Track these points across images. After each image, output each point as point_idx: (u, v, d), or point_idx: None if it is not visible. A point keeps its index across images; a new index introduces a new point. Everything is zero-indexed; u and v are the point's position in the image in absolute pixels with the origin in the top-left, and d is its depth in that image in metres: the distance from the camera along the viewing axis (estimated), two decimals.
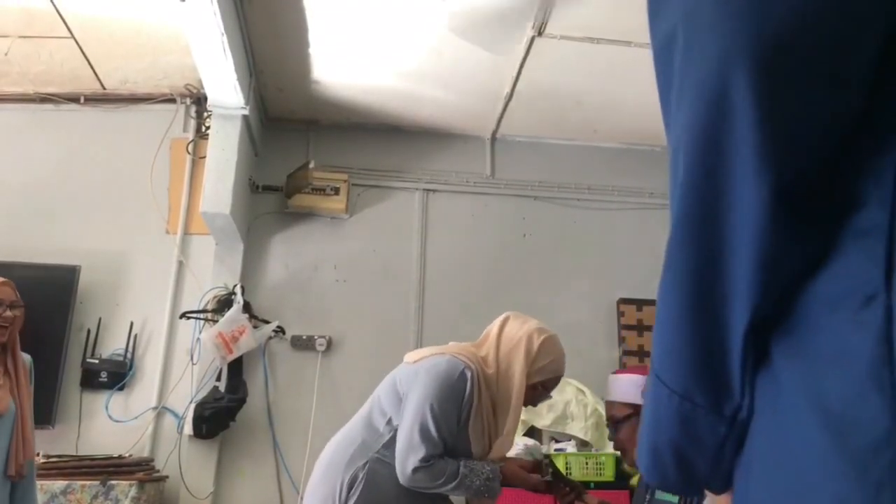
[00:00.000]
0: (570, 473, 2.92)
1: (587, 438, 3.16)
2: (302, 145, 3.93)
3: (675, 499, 1.90)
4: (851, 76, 0.45)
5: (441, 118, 3.92)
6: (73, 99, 3.77)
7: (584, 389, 3.32)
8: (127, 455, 3.19)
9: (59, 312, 3.36)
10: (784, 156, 0.46)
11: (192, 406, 3.34)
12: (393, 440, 1.92)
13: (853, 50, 0.44)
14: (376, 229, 3.87)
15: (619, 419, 2.09)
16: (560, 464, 2.94)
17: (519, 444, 2.96)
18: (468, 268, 3.85)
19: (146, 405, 3.44)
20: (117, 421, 3.39)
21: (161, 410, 3.45)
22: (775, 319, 0.49)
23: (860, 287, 0.44)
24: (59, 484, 2.82)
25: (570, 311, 3.80)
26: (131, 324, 3.51)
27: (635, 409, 2.06)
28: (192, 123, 3.82)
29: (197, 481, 3.34)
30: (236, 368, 3.43)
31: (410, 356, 2.08)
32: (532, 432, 3.23)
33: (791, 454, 0.47)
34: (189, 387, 3.43)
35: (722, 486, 0.57)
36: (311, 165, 3.68)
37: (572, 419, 3.22)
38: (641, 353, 3.71)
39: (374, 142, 3.99)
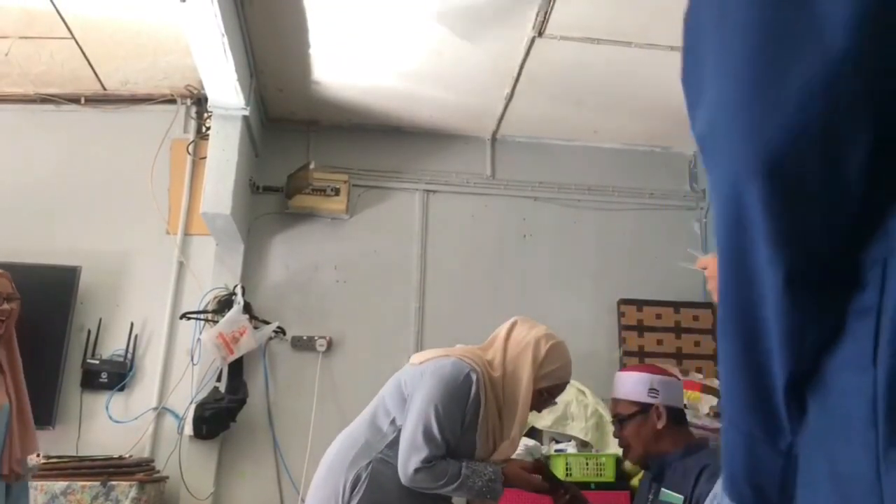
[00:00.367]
0: (571, 474, 2.91)
1: (587, 439, 3.16)
2: (302, 146, 3.93)
3: (679, 499, 1.90)
4: (846, 180, 0.53)
5: (441, 119, 3.92)
6: (73, 99, 3.77)
7: (585, 390, 3.32)
8: (127, 456, 3.19)
9: (60, 313, 3.36)
10: (793, 251, 0.55)
11: (193, 407, 3.34)
12: (396, 441, 1.92)
13: (844, 161, 0.53)
14: (377, 230, 3.87)
15: (625, 417, 2.09)
16: (560, 464, 2.94)
17: (519, 445, 2.97)
18: (468, 268, 3.85)
19: (146, 406, 3.44)
20: (118, 421, 3.39)
21: (161, 411, 3.45)
22: (812, 373, 0.58)
23: (858, 359, 0.53)
24: (59, 485, 2.82)
25: (570, 311, 3.79)
26: (132, 324, 3.51)
27: (641, 408, 2.06)
28: (193, 124, 3.82)
29: (197, 482, 3.34)
30: (237, 369, 3.43)
31: (416, 357, 2.08)
32: (532, 433, 3.23)
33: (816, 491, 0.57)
34: (189, 387, 3.43)
35: None
36: (312, 166, 3.68)
37: (572, 420, 3.22)
38: (642, 354, 3.70)
39: (374, 142, 3.99)
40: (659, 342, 3.73)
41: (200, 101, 3.74)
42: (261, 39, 3.25)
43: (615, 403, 2.15)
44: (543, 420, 3.21)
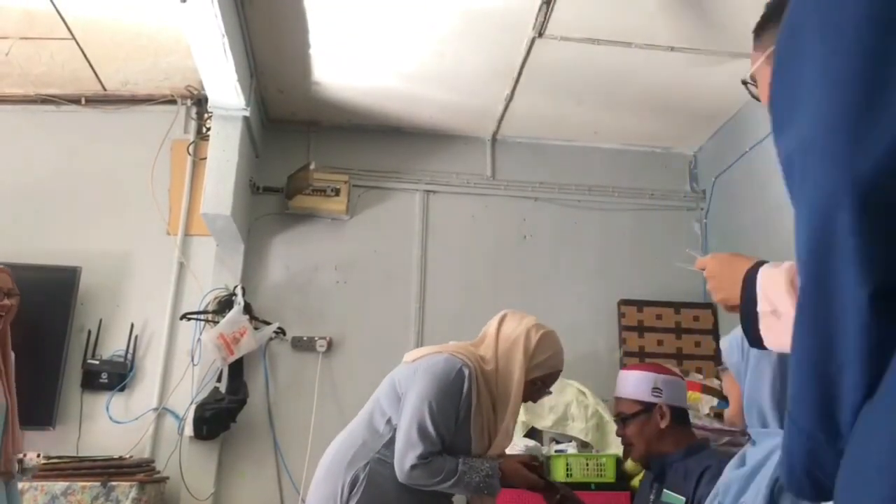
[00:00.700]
0: (571, 475, 2.91)
1: (588, 440, 3.15)
2: (302, 146, 3.93)
3: (681, 500, 1.90)
4: None
5: (441, 119, 3.92)
6: (73, 100, 3.77)
7: (585, 391, 3.32)
8: (127, 456, 3.19)
9: (60, 313, 3.36)
10: (880, 272, 0.58)
11: (193, 407, 3.34)
12: (393, 440, 1.93)
13: None
14: (377, 230, 3.87)
15: (628, 416, 2.09)
16: (561, 465, 2.94)
17: (520, 445, 2.97)
18: (469, 269, 3.85)
19: (147, 406, 3.44)
20: (118, 422, 3.39)
21: (162, 411, 3.45)
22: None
23: None
24: (59, 485, 2.82)
25: (570, 312, 3.79)
26: (132, 325, 3.51)
27: (644, 407, 2.07)
28: (193, 125, 3.82)
29: (197, 482, 3.34)
30: (237, 369, 3.43)
31: (409, 356, 2.09)
32: (533, 433, 3.23)
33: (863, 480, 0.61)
34: (190, 388, 3.43)
35: None
36: (312, 166, 3.68)
37: (573, 420, 3.22)
38: (642, 355, 3.70)
39: (374, 143, 3.99)
40: (659, 343, 3.73)
41: (201, 101, 3.75)
42: (261, 40, 3.25)
43: (618, 402, 2.16)
44: (544, 421, 3.21)
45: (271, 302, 3.69)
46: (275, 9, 3.02)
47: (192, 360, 3.49)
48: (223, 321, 3.33)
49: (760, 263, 1.07)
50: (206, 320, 3.49)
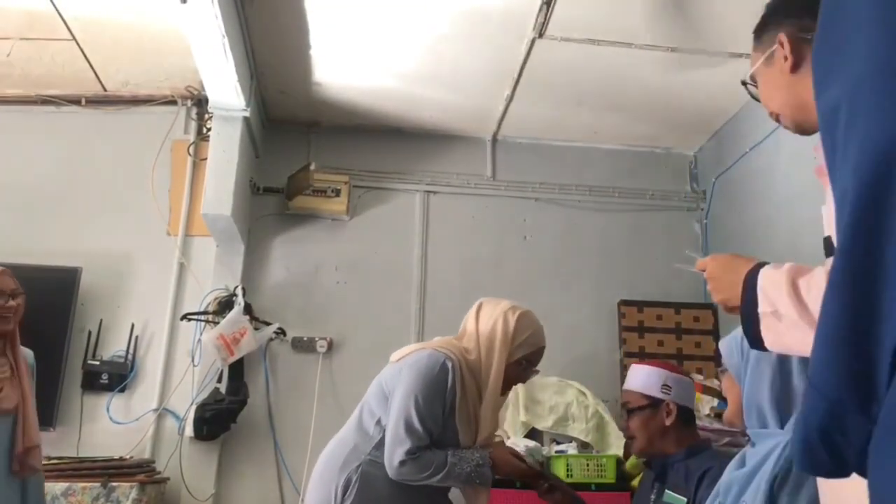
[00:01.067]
0: (571, 475, 2.91)
1: (588, 440, 3.16)
2: (303, 147, 3.93)
3: (683, 501, 1.90)
4: None
5: (442, 120, 3.92)
6: (74, 101, 3.77)
7: (586, 391, 3.32)
8: (128, 457, 3.19)
9: (60, 314, 3.36)
10: None
11: (193, 408, 3.34)
12: (383, 441, 1.94)
13: None
14: (377, 231, 3.88)
15: (634, 408, 2.10)
16: (561, 465, 2.94)
17: (520, 446, 2.96)
18: (469, 269, 3.85)
19: (147, 407, 3.44)
20: (118, 422, 3.39)
21: (162, 412, 3.45)
22: None
23: None
24: (59, 486, 2.81)
25: (571, 312, 3.80)
26: (132, 325, 3.51)
27: (651, 401, 2.07)
28: (193, 125, 3.82)
29: (198, 483, 3.34)
30: (237, 370, 3.43)
31: (394, 355, 2.11)
32: (533, 434, 3.23)
33: None
34: (190, 388, 3.43)
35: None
36: (312, 167, 3.68)
37: (573, 421, 3.22)
38: (642, 355, 3.70)
39: (375, 143, 3.99)
40: (659, 343, 3.73)
41: (201, 102, 3.75)
42: (261, 40, 3.25)
43: (626, 394, 2.17)
44: (544, 421, 3.21)
45: (272, 302, 3.69)
46: (275, 9, 3.03)
47: (193, 360, 3.49)
48: (223, 322, 3.33)
49: (761, 265, 1.08)
50: (207, 321, 3.49)
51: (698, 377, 3.42)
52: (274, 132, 3.94)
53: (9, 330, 2.31)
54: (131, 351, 3.48)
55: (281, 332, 3.59)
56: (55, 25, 3.17)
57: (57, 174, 3.69)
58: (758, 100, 1.26)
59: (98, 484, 2.86)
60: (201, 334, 3.45)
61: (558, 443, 3.16)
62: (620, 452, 3.07)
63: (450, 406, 1.95)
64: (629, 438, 2.16)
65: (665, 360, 2.31)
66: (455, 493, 2.15)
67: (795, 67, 1.13)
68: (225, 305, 3.47)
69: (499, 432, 3.02)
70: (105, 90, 3.76)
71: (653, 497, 2.06)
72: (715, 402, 3.04)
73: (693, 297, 3.83)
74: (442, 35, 3.13)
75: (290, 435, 3.52)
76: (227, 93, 3.20)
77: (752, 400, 1.43)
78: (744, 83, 1.29)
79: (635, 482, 2.87)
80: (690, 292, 3.83)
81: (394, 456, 1.88)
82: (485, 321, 2.10)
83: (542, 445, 3.11)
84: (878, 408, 0.61)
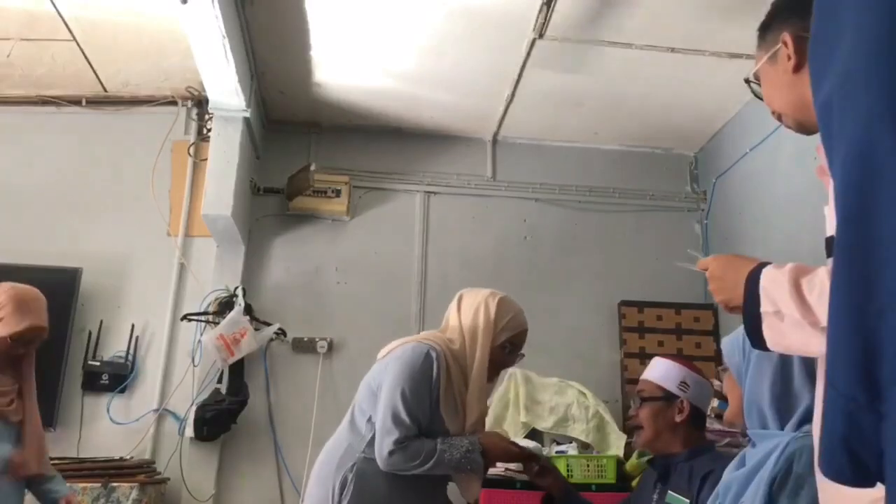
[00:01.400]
0: (572, 475, 2.91)
1: (588, 440, 3.15)
2: (303, 147, 3.93)
3: (686, 502, 1.90)
4: None
5: (442, 120, 3.92)
6: (74, 101, 3.77)
7: (586, 392, 3.32)
8: (128, 457, 3.20)
9: (61, 315, 3.35)
10: None
11: (194, 408, 3.34)
12: (374, 439, 1.95)
13: None
14: (377, 231, 3.88)
15: (647, 397, 2.10)
16: (561, 466, 2.94)
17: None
18: (469, 270, 3.85)
19: (147, 407, 3.44)
20: (119, 423, 3.39)
21: (162, 412, 3.45)
22: None
23: None
24: None
25: (571, 313, 3.80)
26: (132, 326, 3.51)
27: (665, 395, 2.07)
28: (194, 126, 3.82)
29: (198, 483, 3.34)
30: (237, 370, 3.43)
31: (380, 353, 2.14)
32: (534, 434, 3.23)
33: None
34: (190, 389, 3.43)
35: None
36: (313, 167, 3.68)
37: (574, 421, 3.22)
38: (643, 356, 3.70)
39: (375, 144, 3.99)
40: (660, 343, 3.73)
41: (201, 102, 3.75)
42: (262, 41, 3.26)
43: (642, 383, 2.17)
44: (545, 422, 3.21)
45: (272, 303, 3.69)
46: (275, 10, 3.03)
47: (193, 361, 3.49)
48: (224, 322, 3.33)
49: (763, 265, 1.07)
50: (207, 321, 3.49)
51: None
52: (274, 133, 3.94)
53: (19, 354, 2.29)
54: (132, 351, 3.48)
55: (281, 332, 3.59)
56: (56, 26, 3.17)
57: (57, 175, 3.70)
58: (761, 98, 1.26)
59: (98, 484, 2.86)
60: (202, 335, 3.45)
61: (559, 443, 3.16)
62: (621, 453, 3.07)
63: (436, 395, 1.97)
64: (636, 427, 2.15)
65: (688, 361, 2.30)
66: (452, 490, 2.15)
67: (798, 67, 1.13)
68: (225, 306, 3.47)
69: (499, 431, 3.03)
70: (105, 91, 3.76)
71: (655, 498, 2.05)
72: (715, 402, 3.04)
73: (693, 297, 3.83)
74: (442, 36, 3.13)
75: (290, 435, 3.52)
76: (228, 93, 3.20)
77: (753, 400, 1.43)
78: (747, 81, 1.29)
79: (635, 483, 2.87)
80: (691, 293, 3.83)
81: (383, 446, 1.90)
82: (466, 310, 2.12)
83: (543, 446, 3.11)
84: (882, 404, 0.60)
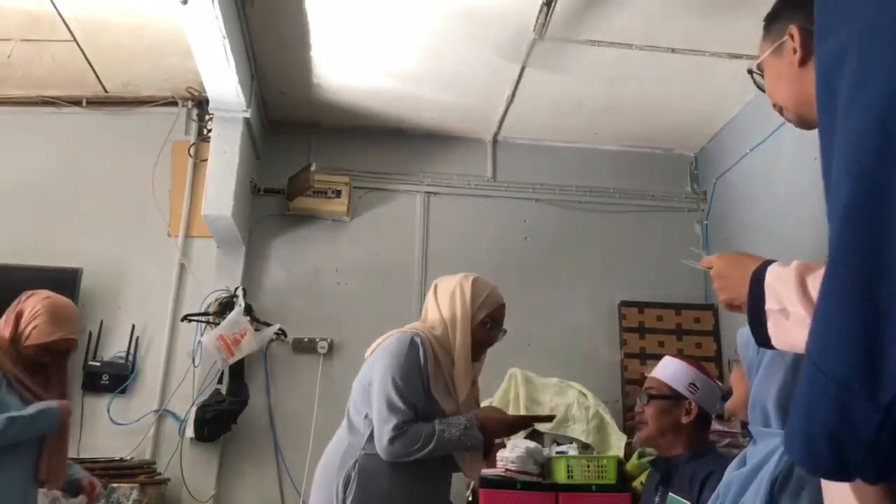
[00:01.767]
0: (572, 476, 2.91)
1: (589, 441, 3.15)
2: (303, 148, 3.93)
3: (686, 503, 1.89)
4: None
5: (442, 121, 3.92)
6: (75, 102, 3.77)
7: (586, 392, 3.32)
8: (128, 458, 3.20)
9: None
10: None
11: (194, 409, 3.34)
12: (374, 434, 1.97)
13: None
14: (378, 232, 3.88)
15: (655, 395, 2.09)
16: (562, 466, 2.94)
17: (521, 447, 2.97)
18: (469, 270, 3.78)
19: (148, 408, 3.44)
20: (119, 424, 3.39)
21: (163, 413, 3.45)
22: None
23: None
24: None
25: (571, 313, 3.80)
26: (133, 326, 3.51)
27: (673, 395, 2.07)
28: (194, 126, 3.82)
29: (198, 484, 3.34)
30: (238, 371, 3.43)
31: (367, 352, 2.17)
32: (534, 435, 3.23)
33: None
34: (190, 389, 3.43)
35: (876, 476, 0.60)
36: (313, 168, 3.68)
37: (574, 422, 3.21)
38: (643, 356, 3.70)
39: (375, 144, 3.99)
40: (660, 344, 3.73)
41: (202, 103, 3.75)
42: (262, 42, 3.26)
43: (651, 380, 2.16)
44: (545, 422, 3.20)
45: (272, 303, 3.69)
46: (276, 10, 3.03)
47: (193, 361, 3.49)
48: (224, 323, 3.33)
49: (769, 262, 1.07)
50: (207, 322, 3.49)
51: None
52: (274, 133, 3.94)
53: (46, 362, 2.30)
54: (132, 352, 3.48)
55: (281, 333, 3.59)
56: (56, 26, 3.17)
57: (58, 175, 3.70)
58: (763, 90, 1.25)
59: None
60: (202, 335, 3.45)
61: (559, 444, 3.16)
62: (621, 453, 3.07)
63: (427, 379, 2.00)
64: (639, 423, 2.14)
65: (699, 364, 2.29)
66: (454, 490, 2.15)
67: (804, 61, 1.12)
68: (225, 306, 3.47)
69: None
70: (106, 91, 3.76)
71: (657, 500, 2.05)
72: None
73: (694, 297, 3.83)
74: (442, 36, 3.13)
75: (290, 436, 3.52)
76: (228, 94, 3.20)
77: (759, 398, 1.43)
78: (750, 72, 1.27)
79: (636, 483, 2.87)
80: (691, 293, 3.83)
81: (382, 435, 1.92)
82: (443, 297, 2.18)
83: (543, 446, 3.11)
84: (886, 397, 0.55)
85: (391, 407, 1.93)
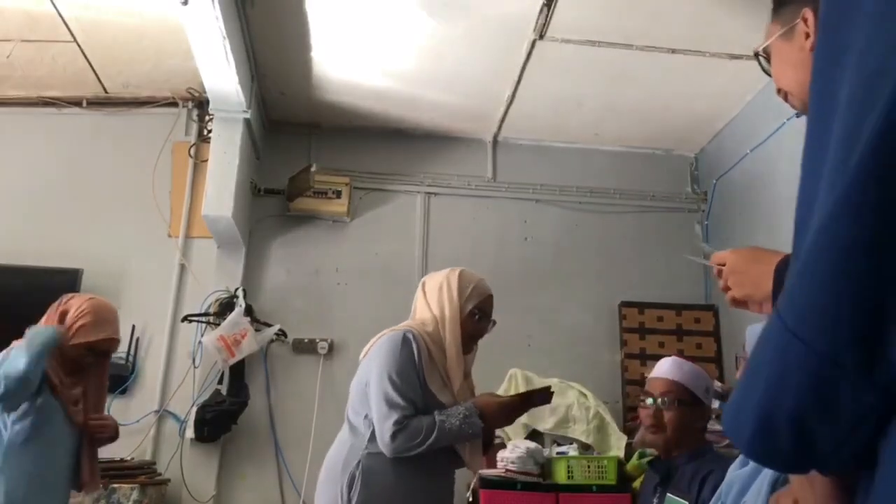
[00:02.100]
0: (573, 477, 2.91)
1: (589, 441, 3.15)
2: (304, 148, 3.93)
3: (684, 503, 1.89)
4: None
5: (443, 121, 3.92)
6: (75, 102, 3.77)
7: (587, 393, 3.32)
8: (129, 458, 3.19)
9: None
10: None
11: (194, 409, 3.34)
12: (375, 432, 1.98)
13: None
14: (378, 232, 3.88)
15: (675, 399, 2.08)
16: (562, 467, 2.94)
17: (521, 447, 2.97)
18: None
19: (148, 408, 3.44)
20: (119, 424, 3.37)
21: (163, 414, 3.45)
22: None
23: None
24: None
25: (571, 314, 3.80)
26: (133, 327, 3.51)
27: (693, 400, 2.07)
28: (195, 127, 3.82)
29: (199, 484, 3.34)
30: (238, 372, 3.43)
31: (361, 354, 2.17)
32: (534, 435, 3.23)
33: None
34: (191, 390, 3.43)
35: (840, 467, 0.53)
36: (313, 169, 3.68)
37: (574, 422, 3.21)
38: (643, 356, 3.70)
39: (375, 145, 3.99)
40: (661, 344, 3.73)
41: (202, 104, 3.75)
42: (262, 42, 3.26)
43: (670, 383, 2.07)
44: (545, 423, 3.20)
45: (272, 304, 3.69)
46: (276, 11, 3.03)
47: (194, 362, 3.49)
48: (224, 323, 3.34)
49: (790, 257, 1.04)
50: (208, 322, 3.49)
51: None
52: (275, 134, 3.95)
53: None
54: (132, 352, 3.48)
55: (282, 333, 3.59)
56: (56, 27, 3.17)
57: (58, 176, 3.70)
58: (768, 73, 1.21)
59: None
60: (202, 336, 3.45)
61: (559, 444, 3.16)
62: (622, 454, 3.07)
63: (422, 374, 2.02)
64: (653, 425, 2.05)
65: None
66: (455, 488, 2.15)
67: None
68: (226, 307, 3.47)
69: (499, 433, 3.03)
70: (106, 92, 3.76)
71: (655, 501, 2.05)
72: (716, 403, 3.04)
73: (694, 298, 3.83)
74: (442, 37, 3.13)
75: (290, 436, 3.52)
76: (228, 94, 3.20)
77: None
78: (756, 54, 1.22)
79: (636, 484, 2.87)
80: (691, 293, 3.83)
81: (384, 432, 1.92)
82: (431, 293, 2.19)
83: (544, 447, 3.11)
84: (883, 376, 0.48)
85: (390, 403, 1.94)
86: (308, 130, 3.96)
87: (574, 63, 3.28)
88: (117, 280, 3.56)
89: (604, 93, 3.56)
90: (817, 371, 0.49)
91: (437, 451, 1.97)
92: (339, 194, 3.80)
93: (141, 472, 3.06)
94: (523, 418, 3.19)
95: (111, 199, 3.69)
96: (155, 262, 3.62)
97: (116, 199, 3.69)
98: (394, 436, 1.90)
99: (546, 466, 3.00)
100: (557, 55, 3.20)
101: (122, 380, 3.43)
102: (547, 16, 2.90)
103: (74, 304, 2.24)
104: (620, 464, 2.96)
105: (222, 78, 3.06)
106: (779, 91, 1.20)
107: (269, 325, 3.54)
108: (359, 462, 1.95)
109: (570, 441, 3.16)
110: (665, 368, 2.14)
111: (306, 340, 3.65)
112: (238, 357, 3.33)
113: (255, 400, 3.47)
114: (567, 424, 3.22)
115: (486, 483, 2.88)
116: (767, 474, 1.33)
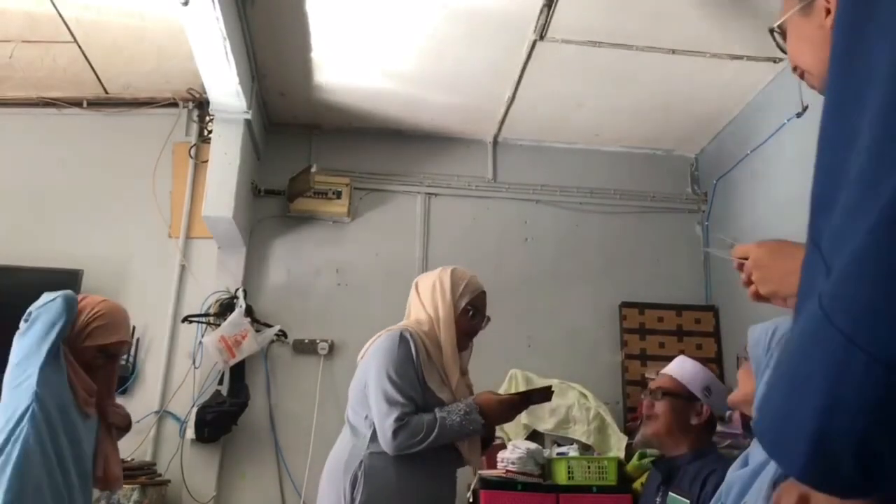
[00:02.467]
0: (573, 477, 2.91)
1: (589, 442, 3.15)
2: (304, 149, 3.93)
3: (686, 502, 1.90)
4: None
5: (443, 122, 3.92)
6: (75, 103, 3.78)
7: (587, 393, 3.32)
8: (129, 459, 3.19)
9: None
10: None
11: (195, 410, 3.34)
12: (376, 433, 1.98)
13: None
14: (378, 233, 3.88)
15: (669, 392, 2.10)
16: (562, 467, 2.94)
17: (521, 448, 2.96)
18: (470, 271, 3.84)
19: (148, 409, 3.43)
20: None
21: (163, 414, 3.45)
22: None
23: None
24: None
25: (571, 314, 3.80)
26: (133, 328, 3.50)
27: (687, 395, 2.08)
28: (195, 127, 3.83)
29: (199, 485, 3.33)
30: (238, 372, 3.43)
31: (359, 356, 2.18)
32: (534, 436, 3.23)
33: None
34: (191, 391, 3.43)
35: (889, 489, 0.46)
36: (313, 169, 3.68)
37: (574, 423, 3.21)
38: (644, 357, 3.70)
39: (376, 146, 3.99)
40: (661, 345, 3.73)
41: (202, 104, 3.75)
42: (263, 43, 3.26)
43: (666, 378, 2.16)
44: (546, 423, 3.20)
45: (273, 305, 3.69)
46: (276, 12, 3.03)
47: (194, 362, 3.49)
48: (225, 324, 3.34)
49: None
50: (208, 323, 3.49)
51: None
52: (275, 134, 3.95)
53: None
54: (132, 353, 3.48)
55: (282, 334, 3.59)
56: (57, 28, 3.17)
57: (58, 176, 3.70)
58: (783, 50, 1.14)
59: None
60: (202, 336, 3.45)
61: (559, 445, 3.15)
62: (622, 454, 3.07)
63: (420, 372, 2.03)
64: (647, 417, 2.14)
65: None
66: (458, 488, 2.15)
67: None
68: (226, 307, 3.47)
69: (499, 434, 3.03)
70: (106, 92, 3.76)
71: (657, 500, 2.06)
72: None
73: (694, 298, 3.83)
74: (443, 37, 3.13)
75: (291, 437, 3.52)
76: (229, 95, 3.21)
77: None
78: (771, 31, 1.15)
79: (636, 484, 2.87)
80: (692, 294, 3.83)
81: (385, 430, 1.93)
82: (424, 292, 2.20)
83: (544, 448, 3.11)
84: None
85: (390, 401, 1.95)
86: (308, 131, 3.96)
87: (574, 63, 3.28)
88: (118, 281, 3.56)
89: (604, 93, 3.56)
90: (886, 382, 0.42)
91: (439, 450, 1.98)
92: (339, 195, 3.80)
93: (141, 473, 3.06)
94: (523, 419, 3.19)
95: (111, 199, 3.69)
96: (155, 263, 3.63)
97: (117, 199, 3.69)
98: (395, 433, 1.91)
99: (546, 467, 3.00)
100: (558, 56, 3.20)
101: (122, 380, 3.42)
102: (547, 16, 2.90)
103: (88, 306, 2.24)
104: (621, 464, 2.96)
105: (223, 79, 3.06)
106: (795, 70, 1.13)
107: (270, 326, 3.54)
108: (361, 462, 1.96)
109: (571, 442, 3.16)
110: (669, 366, 2.21)
111: (307, 341, 3.65)
112: (239, 358, 3.33)
113: (255, 400, 3.47)
114: (567, 425, 3.22)
115: (486, 484, 2.88)
116: (768, 476, 1.33)
